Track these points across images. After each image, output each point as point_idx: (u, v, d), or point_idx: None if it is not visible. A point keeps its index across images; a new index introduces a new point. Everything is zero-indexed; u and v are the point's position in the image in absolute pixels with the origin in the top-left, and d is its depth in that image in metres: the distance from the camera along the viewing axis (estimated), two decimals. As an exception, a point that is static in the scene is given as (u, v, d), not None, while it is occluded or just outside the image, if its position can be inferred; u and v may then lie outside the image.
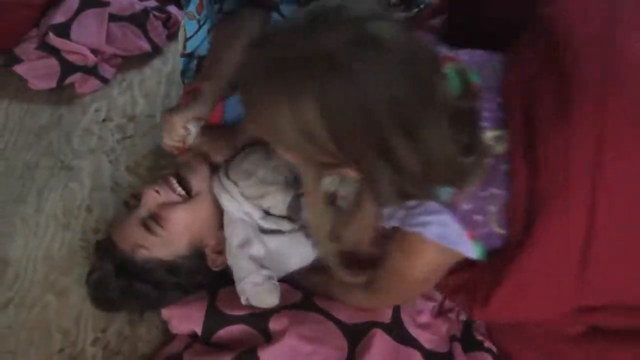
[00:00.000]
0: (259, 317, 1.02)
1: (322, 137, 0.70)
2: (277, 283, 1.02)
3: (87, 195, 1.29)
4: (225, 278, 1.09)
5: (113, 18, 1.49)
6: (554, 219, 0.78)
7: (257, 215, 1.06)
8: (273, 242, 1.06)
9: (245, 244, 1.04)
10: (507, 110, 0.83)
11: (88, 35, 1.46)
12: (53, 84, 1.45)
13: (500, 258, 0.84)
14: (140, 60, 1.53)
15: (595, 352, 0.93)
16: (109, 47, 1.48)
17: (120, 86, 1.49)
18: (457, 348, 1.03)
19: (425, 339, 1.02)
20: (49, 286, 1.17)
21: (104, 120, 1.43)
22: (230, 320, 1.03)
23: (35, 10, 1.48)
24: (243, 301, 1.02)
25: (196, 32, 1.23)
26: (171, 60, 1.54)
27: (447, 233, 0.81)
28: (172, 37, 1.57)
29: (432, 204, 0.80)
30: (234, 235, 1.06)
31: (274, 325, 1.00)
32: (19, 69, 1.45)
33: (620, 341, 0.90)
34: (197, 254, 1.10)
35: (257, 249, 1.04)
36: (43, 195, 1.29)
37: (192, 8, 1.20)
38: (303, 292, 1.07)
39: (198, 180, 1.11)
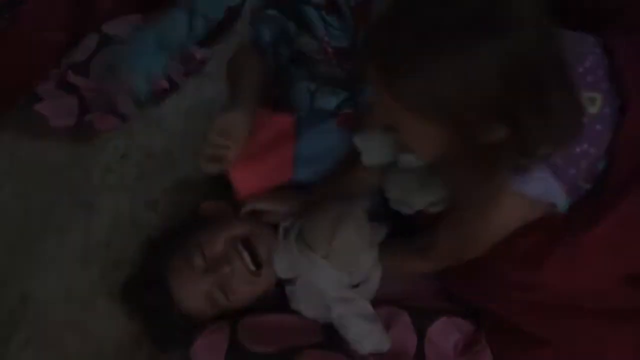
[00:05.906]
0: (283, 357, 1.01)
1: (490, 88, 0.69)
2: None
3: (107, 232, 1.29)
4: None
5: (131, 56, 1.51)
6: None
7: (346, 280, 1.04)
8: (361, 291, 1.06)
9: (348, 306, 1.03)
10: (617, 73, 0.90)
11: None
12: (73, 122, 1.47)
13: (592, 205, 0.89)
14: (158, 96, 1.55)
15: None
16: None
17: (138, 123, 1.51)
18: None
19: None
20: (69, 324, 1.16)
21: (123, 156, 1.44)
22: (254, 358, 1.02)
23: (55, 50, 1.50)
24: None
25: None
26: (189, 97, 1.55)
27: (548, 188, 0.85)
28: (189, 74, 1.59)
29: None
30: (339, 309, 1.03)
31: None
32: (39, 107, 1.47)
33: None
34: None
35: (362, 307, 1.03)
36: (63, 232, 1.30)
37: None
38: (325, 329, 1.06)
39: (267, 252, 1.09)
